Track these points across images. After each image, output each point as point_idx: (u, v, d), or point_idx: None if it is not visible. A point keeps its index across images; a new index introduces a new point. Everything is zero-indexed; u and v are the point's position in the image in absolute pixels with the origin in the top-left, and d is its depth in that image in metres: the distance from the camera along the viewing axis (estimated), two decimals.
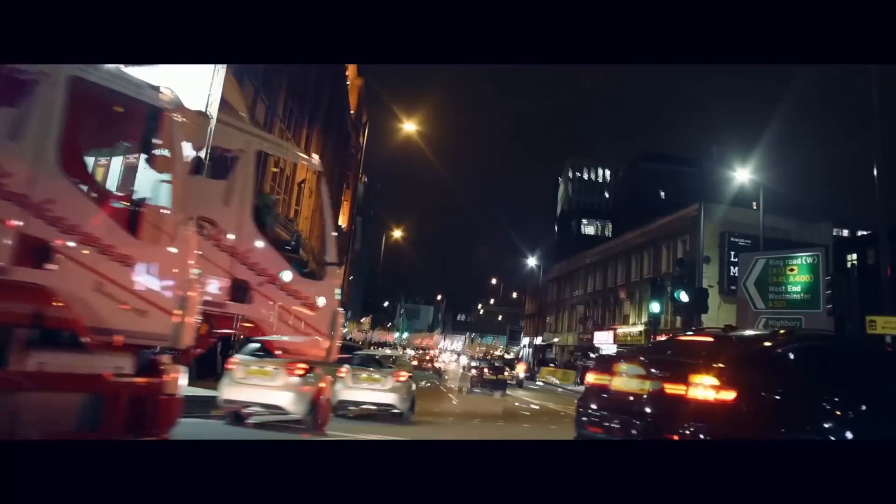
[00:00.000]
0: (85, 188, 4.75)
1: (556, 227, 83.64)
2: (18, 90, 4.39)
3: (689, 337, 5.66)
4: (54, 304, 4.32)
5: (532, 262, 65.57)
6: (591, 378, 5.32)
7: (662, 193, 58.88)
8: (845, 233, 54.50)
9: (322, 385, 9.59)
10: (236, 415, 9.68)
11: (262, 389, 9.31)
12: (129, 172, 5.27)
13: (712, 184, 38.88)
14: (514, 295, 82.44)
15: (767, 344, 5.10)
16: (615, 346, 43.77)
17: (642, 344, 35.01)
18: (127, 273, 4.73)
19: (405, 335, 66.85)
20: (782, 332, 5.54)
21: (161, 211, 5.00)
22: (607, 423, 4.93)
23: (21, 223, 4.23)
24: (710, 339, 5.23)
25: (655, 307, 21.55)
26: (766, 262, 22.12)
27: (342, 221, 24.24)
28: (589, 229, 74.69)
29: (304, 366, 9.29)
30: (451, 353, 63.37)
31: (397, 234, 58.58)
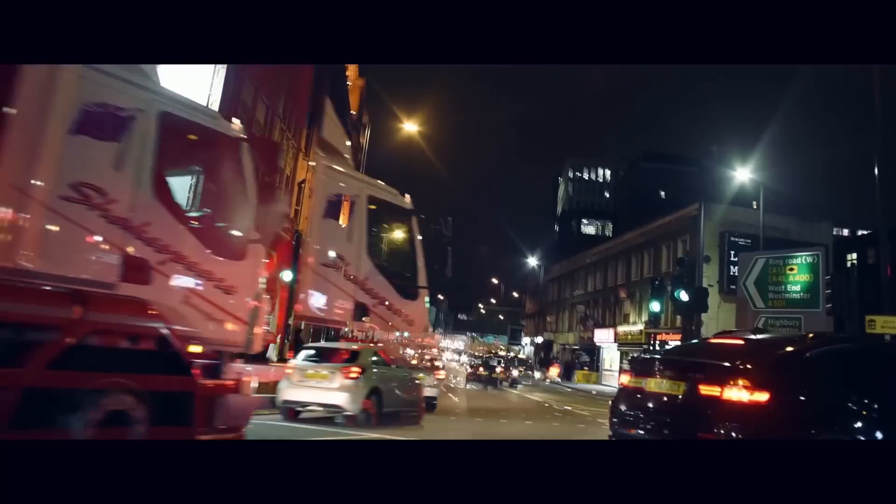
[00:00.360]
0: (173, 211, 5.21)
1: (556, 227, 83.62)
2: (120, 125, 4.80)
3: (720, 339, 5.75)
4: (153, 315, 4.83)
5: (532, 261, 65.53)
6: (624, 379, 5.43)
7: (662, 193, 58.84)
8: (845, 232, 54.50)
9: (380, 386, 10.74)
10: (291, 411, 10.62)
11: (320, 391, 10.22)
12: (207, 195, 5.73)
13: (712, 183, 38.87)
14: (515, 294, 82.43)
15: (799, 346, 5.20)
16: (616, 345, 43.81)
17: (643, 345, 35.06)
18: (209, 287, 5.30)
19: (406, 334, 66.64)
20: (811, 335, 5.66)
21: (235, 231, 5.63)
22: (642, 424, 5.03)
23: (124, 244, 4.78)
24: (741, 341, 5.35)
25: (656, 306, 21.56)
26: (766, 261, 22.12)
27: (343, 221, 24.28)
28: (589, 229, 74.64)
29: (357, 369, 10.29)
30: (453, 353, 63.36)
31: (398, 234, 58.45)
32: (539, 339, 62.33)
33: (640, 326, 38.50)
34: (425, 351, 16.44)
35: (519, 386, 32.66)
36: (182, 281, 5.16)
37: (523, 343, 68.08)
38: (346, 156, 11.71)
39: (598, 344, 47.23)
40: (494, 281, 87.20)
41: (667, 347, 25.47)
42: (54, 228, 4.50)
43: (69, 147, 4.56)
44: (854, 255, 34.76)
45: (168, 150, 5.15)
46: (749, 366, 4.52)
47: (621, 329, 43.00)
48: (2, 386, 4.05)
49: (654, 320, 23.21)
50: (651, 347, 24.61)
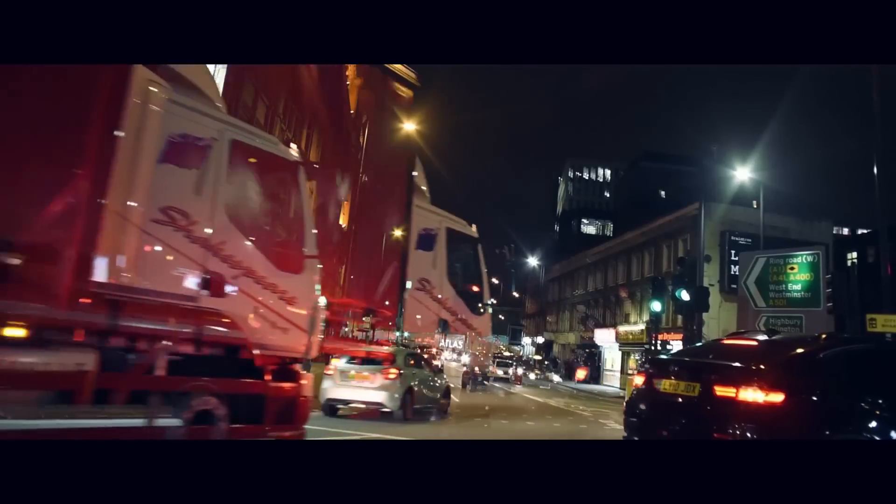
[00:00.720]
0: (242, 230, 5.72)
1: (556, 227, 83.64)
2: (198, 154, 5.29)
3: (732, 340, 5.78)
4: (229, 325, 5.44)
5: (533, 261, 65.51)
6: (639, 381, 5.46)
7: (663, 193, 58.85)
8: (845, 231, 54.52)
9: (413, 385, 12.23)
10: (331, 408, 11.80)
11: (363, 390, 11.60)
12: (270, 215, 6.24)
13: (712, 183, 38.85)
14: (515, 294, 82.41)
15: (812, 347, 5.22)
16: (617, 344, 43.81)
17: (645, 345, 35.06)
18: (274, 298, 5.82)
19: (406, 334, 66.63)
20: (824, 335, 5.69)
21: (294, 247, 6.18)
22: (657, 424, 5.06)
23: (204, 261, 5.28)
24: (754, 342, 5.37)
25: (656, 306, 21.57)
26: (767, 260, 22.13)
27: (343, 221, 24.30)
28: (589, 229, 74.67)
29: (395, 371, 11.64)
30: (452, 352, 63.21)
31: (397, 232, 58.46)
32: (539, 339, 62.32)
33: (642, 326, 38.50)
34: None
35: (518, 387, 32.60)
36: (251, 293, 5.67)
37: (523, 343, 68.03)
38: (426, 194, 13.82)
39: (598, 344, 47.22)
40: (494, 281, 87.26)
41: (669, 347, 25.48)
42: (148, 248, 4.96)
43: (158, 175, 4.97)
44: (854, 254, 34.77)
45: (237, 174, 5.68)
46: (763, 367, 4.55)
47: (622, 329, 43.00)
48: (112, 389, 4.62)
49: (655, 320, 23.20)
50: (652, 347, 24.57)
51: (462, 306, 13.39)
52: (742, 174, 26.73)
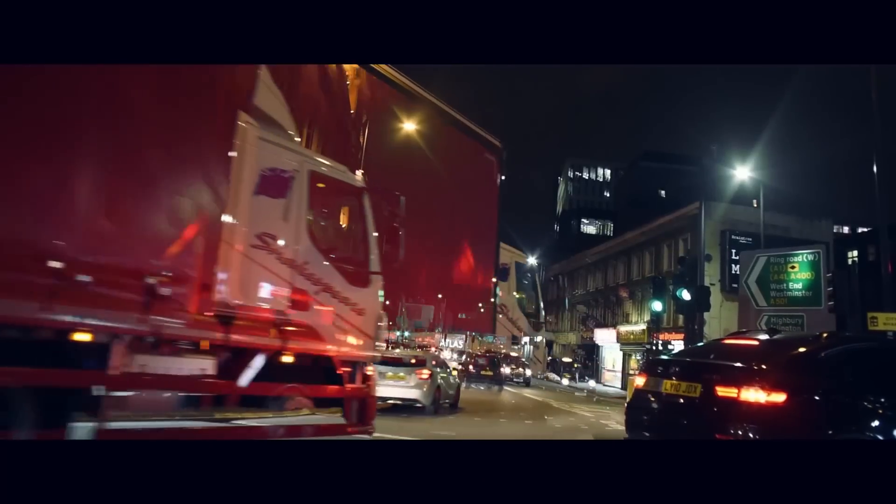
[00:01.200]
0: (321, 250, 6.36)
1: (556, 226, 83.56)
2: (285, 185, 5.94)
3: (733, 340, 5.76)
4: (313, 335, 6.16)
5: (532, 260, 65.43)
6: (640, 381, 5.44)
7: (663, 192, 58.83)
8: (846, 230, 54.46)
9: (439, 383, 14.28)
10: None
11: (399, 388, 13.23)
12: (341, 236, 7.01)
13: (712, 182, 38.86)
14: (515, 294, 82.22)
15: (814, 346, 5.21)
16: (618, 344, 43.79)
17: (646, 345, 35.02)
18: (347, 310, 6.55)
19: (406, 333, 66.58)
20: (825, 334, 5.67)
21: (362, 264, 6.87)
22: (658, 425, 5.05)
23: (292, 280, 5.94)
24: (755, 342, 5.35)
25: (657, 306, 21.56)
26: (768, 259, 22.13)
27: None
28: (590, 228, 74.64)
29: (427, 372, 13.60)
30: (451, 352, 63.11)
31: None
32: (538, 339, 62.27)
33: (642, 326, 38.48)
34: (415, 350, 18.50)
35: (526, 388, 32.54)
36: (330, 306, 6.37)
37: (523, 342, 67.95)
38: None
39: (599, 344, 47.19)
40: (494, 280, 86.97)
41: (670, 347, 25.46)
42: (248, 270, 5.59)
43: (254, 205, 5.64)
44: (855, 253, 34.74)
45: (314, 201, 6.34)
46: (765, 366, 4.53)
47: (623, 329, 42.98)
48: (224, 394, 5.39)
49: (655, 320, 23.20)
50: (654, 347, 24.56)
51: (525, 322, 14.84)
52: (742, 173, 26.74)
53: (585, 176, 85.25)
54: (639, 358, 37.46)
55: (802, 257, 21.45)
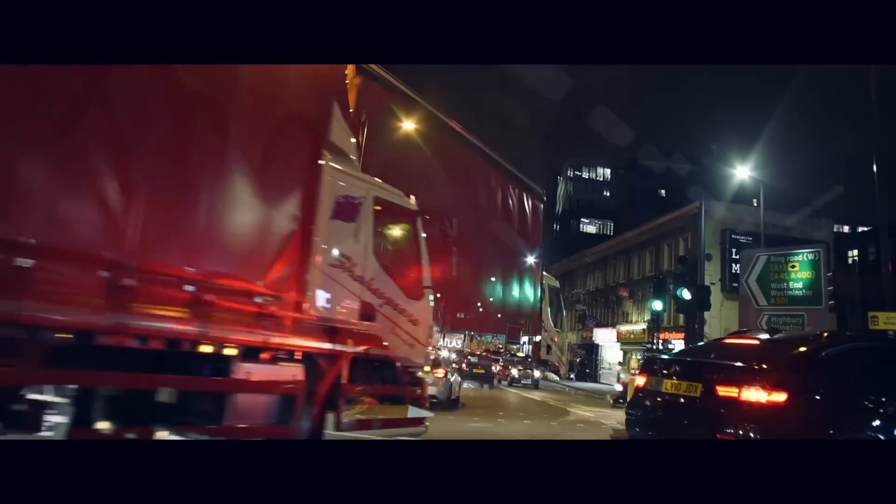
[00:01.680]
0: (384, 268, 7.07)
1: (555, 226, 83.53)
2: (355, 210, 6.63)
3: (734, 340, 5.76)
4: (379, 343, 6.83)
5: (531, 260, 65.36)
6: (640, 381, 5.44)
7: (663, 192, 58.82)
8: (846, 229, 54.44)
9: (451, 380, 16.76)
10: None
11: None
12: (399, 254, 7.71)
13: (713, 181, 38.89)
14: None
15: (814, 345, 5.20)
16: (619, 343, 43.82)
17: (646, 344, 35.03)
18: (405, 321, 7.28)
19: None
20: (826, 333, 5.67)
21: (416, 279, 7.66)
22: (659, 425, 5.04)
23: (361, 295, 6.64)
24: (756, 341, 5.35)
25: (658, 305, 21.56)
26: (768, 258, 22.12)
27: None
28: (590, 228, 74.61)
29: (443, 370, 15.83)
30: (449, 351, 63.02)
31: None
32: (538, 338, 62.23)
33: (643, 325, 38.49)
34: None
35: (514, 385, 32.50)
36: (391, 317, 7.07)
37: (522, 342, 67.93)
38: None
39: (599, 343, 47.20)
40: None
41: (670, 346, 25.47)
42: (329, 286, 6.28)
43: (331, 228, 6.34)
44: (855, 252, 34.74)
45: (378, 223, 7.08)
46: (766, 366, 4.53)
47: (623, 328, 42.98)
48: (304, 397, 5.97)
49: (656, 319, 23.20)
50: (654, 346, 24.55)
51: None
52: (742, 172, 26.74)
53: (585, 175, 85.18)
54: (639, 357, 37.46)
55: (803, 256, 21.43)
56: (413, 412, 7.34)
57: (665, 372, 5.14)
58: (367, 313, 6.69)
